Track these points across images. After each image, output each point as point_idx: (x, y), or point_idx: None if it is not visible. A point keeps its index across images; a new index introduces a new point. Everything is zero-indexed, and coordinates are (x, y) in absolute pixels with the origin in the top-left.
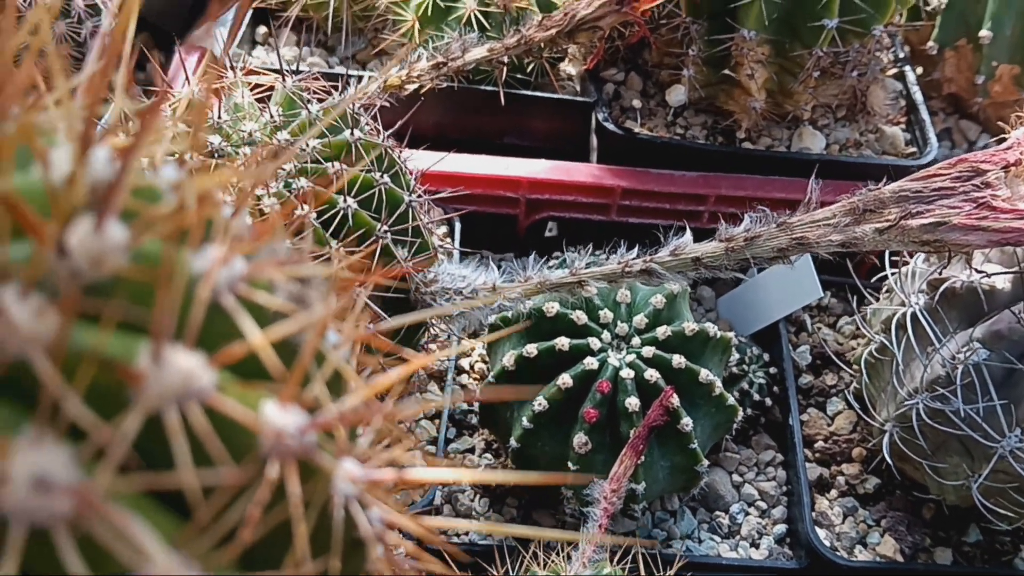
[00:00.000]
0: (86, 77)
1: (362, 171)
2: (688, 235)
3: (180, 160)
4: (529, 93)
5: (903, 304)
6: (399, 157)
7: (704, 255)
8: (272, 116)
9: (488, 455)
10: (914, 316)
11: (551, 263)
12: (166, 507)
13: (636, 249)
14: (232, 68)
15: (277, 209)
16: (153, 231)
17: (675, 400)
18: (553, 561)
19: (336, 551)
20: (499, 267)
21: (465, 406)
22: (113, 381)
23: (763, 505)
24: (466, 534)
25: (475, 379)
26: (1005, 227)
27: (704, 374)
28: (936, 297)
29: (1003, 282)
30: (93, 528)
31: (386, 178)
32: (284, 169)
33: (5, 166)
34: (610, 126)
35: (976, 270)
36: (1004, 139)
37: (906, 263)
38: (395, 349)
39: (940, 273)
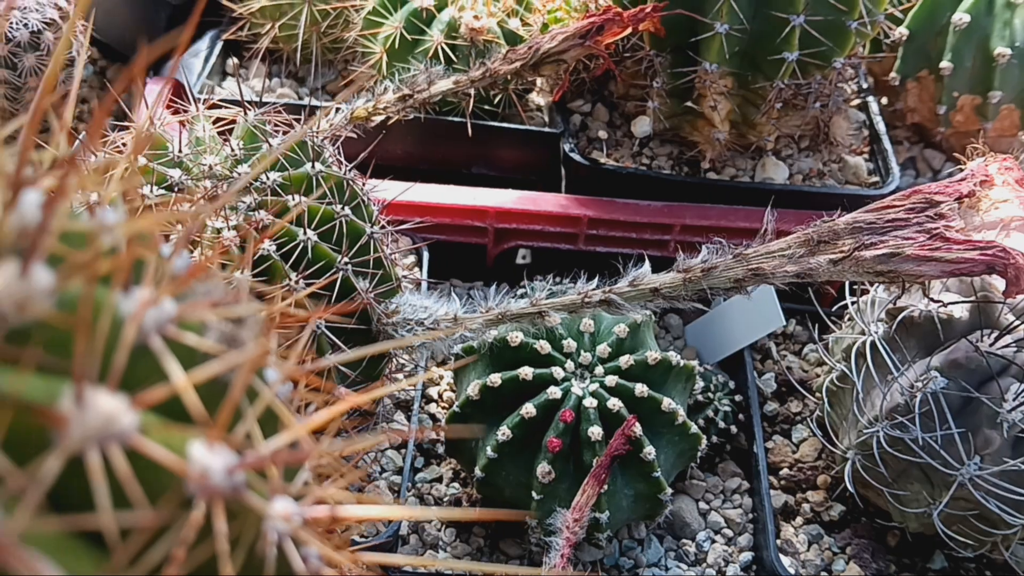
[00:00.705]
0: (25, 120)
1: (323, 203)
2: (647, 266)
3: (126, 198)
4: (496, 124)
5: (863, 333)
6: (362, 189)
7: (662, 285)
8: (233, 149)
9: (456, 484)
10: (873, 345)
11: (519, 292)
12: (91, 545)
13: (597, 279)
14: (195, 101)
15: (236, 242)
16: (79, 275)
17: (637, 429)
18: None
19: None
20: (468, 296)
21: (432, 435)
22: (35, 424)
23: (729, 533)
24: (432, 566)
25: (443, 408)
26: (958, 258)
27: (667, 403)
28: (895, 326)
29: (960, 311)
30: (7, 568)
31: (347, 210)
32: (244, 202)
33: None
34: (576, 157)
35: (933, 299)
36: (960, 170)
37: (867, 291)
38: (329, 387)
39: (896, 303)
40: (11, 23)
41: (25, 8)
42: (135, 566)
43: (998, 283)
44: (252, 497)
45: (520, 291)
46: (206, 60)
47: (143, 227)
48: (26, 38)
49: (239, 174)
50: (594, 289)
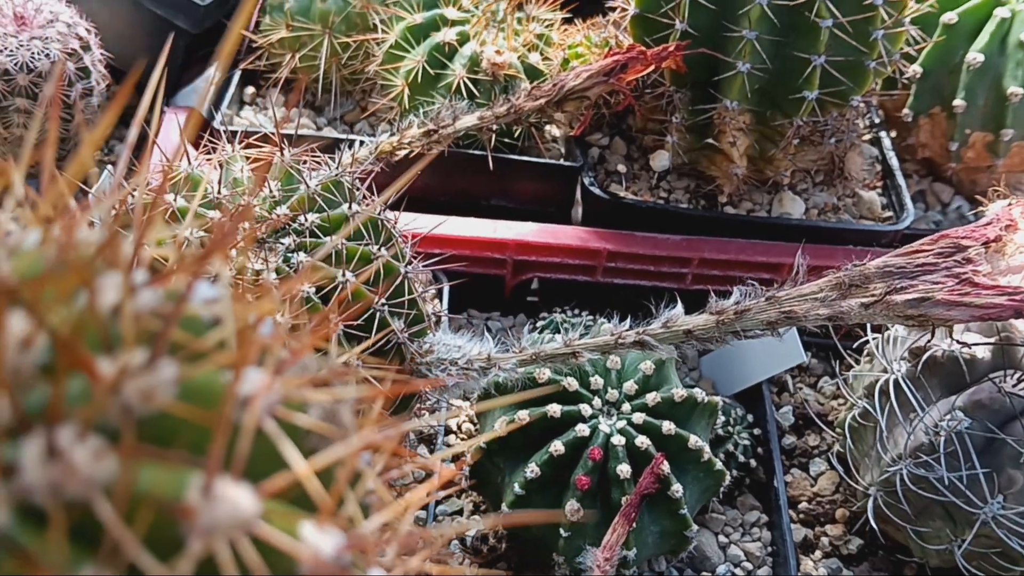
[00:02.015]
0: (119, 198)
1: (360, 245)
2: (679, 307)
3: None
4: (516, 157)
5: (885, 371)
6: (394, 228)
7: (695, 328)
8: (271, 191)
9: (476, 517)
10: (897, 383)
11: (538, 323)
12: None
13: (628, 320)
14: (231, 141)
15: (276, 284)
16: (200, 365)
17: (665, 467)
18: None
19: None
20: (486, 327)
21: (453, 468)
22: (166, 519)
23: (749, 566)
24: None
25: (462, 439)
26: (987, 303)
27: (693, 440)
28: (919, 365)
29: (983, 352)
30: None
31: (383, 251)
32: (283, 243)
33: (57, 303)
34: (596, 190)
35: (957, 340)
36: (981, 211)
37: (887, 329)
38: (413, 456)
39: (922, 343)
40: (32, 53)
41: (47, 39)
42: None
43: (1020, 325)
44: (356, 573)
45: (540, 323)
46: (224, 90)
47: (254, 311)
48: (47, 68)
49: (277, 215)
50: (627, 330)
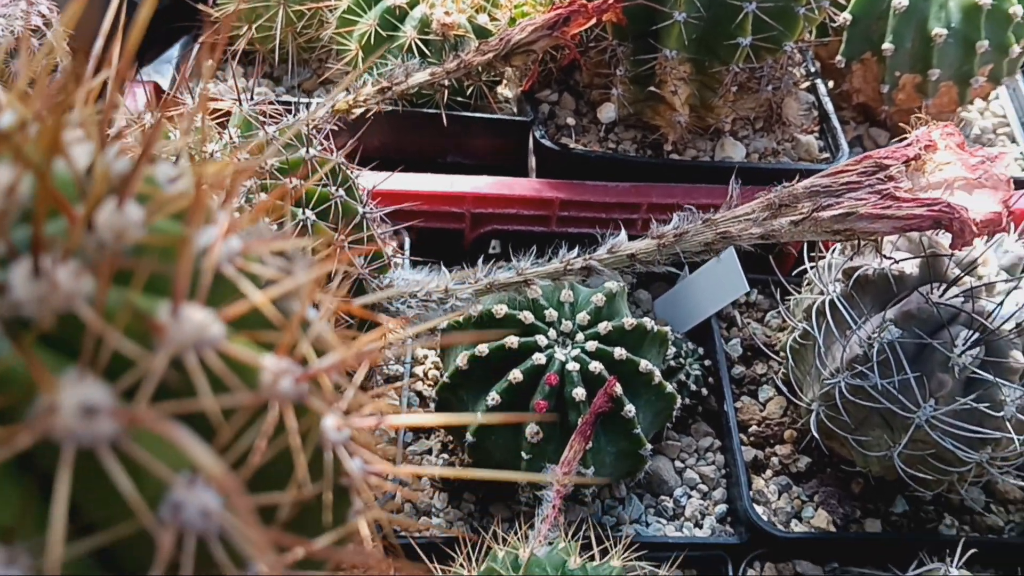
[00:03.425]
0: (91, 88)
1: (318, 185)
2: (623, 234)
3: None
4: (469, 115)
5: (822, 293)
6: (351, 173)
7: (638, 251)
8: (231, 137)
9: (444, 455)
10: (832, 303)
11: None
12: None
13: (576, 249)
14: (191, 95)
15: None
16: (163, 211)
17: (618, 388)
18: (512, 541)
19: (328, 488)
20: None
21: (422, 413)
22: (139, 331)
23: (704, 488)
24: (427, 530)
25: (429, 385)
26: (908, 214)
27: (644, 364)
28: (851, 284)
29: (911, 267)
30: (132, 449)
31: (341, 191)
32: (245, 186)
33: (41, 161)
34: (547, 143)
35: (885, 257)
36: (905, 139)
37: (823, 257)
38: (369, 316)
39: (852, 261)
40: None
41: (10, 16)
42: (230, 450)
43: (944, 241)
44: (315, 402)
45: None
46: (179, 64)
47: (208, 173)
48: (12, 45)
49: (238, 159)
50: (575, 257)
